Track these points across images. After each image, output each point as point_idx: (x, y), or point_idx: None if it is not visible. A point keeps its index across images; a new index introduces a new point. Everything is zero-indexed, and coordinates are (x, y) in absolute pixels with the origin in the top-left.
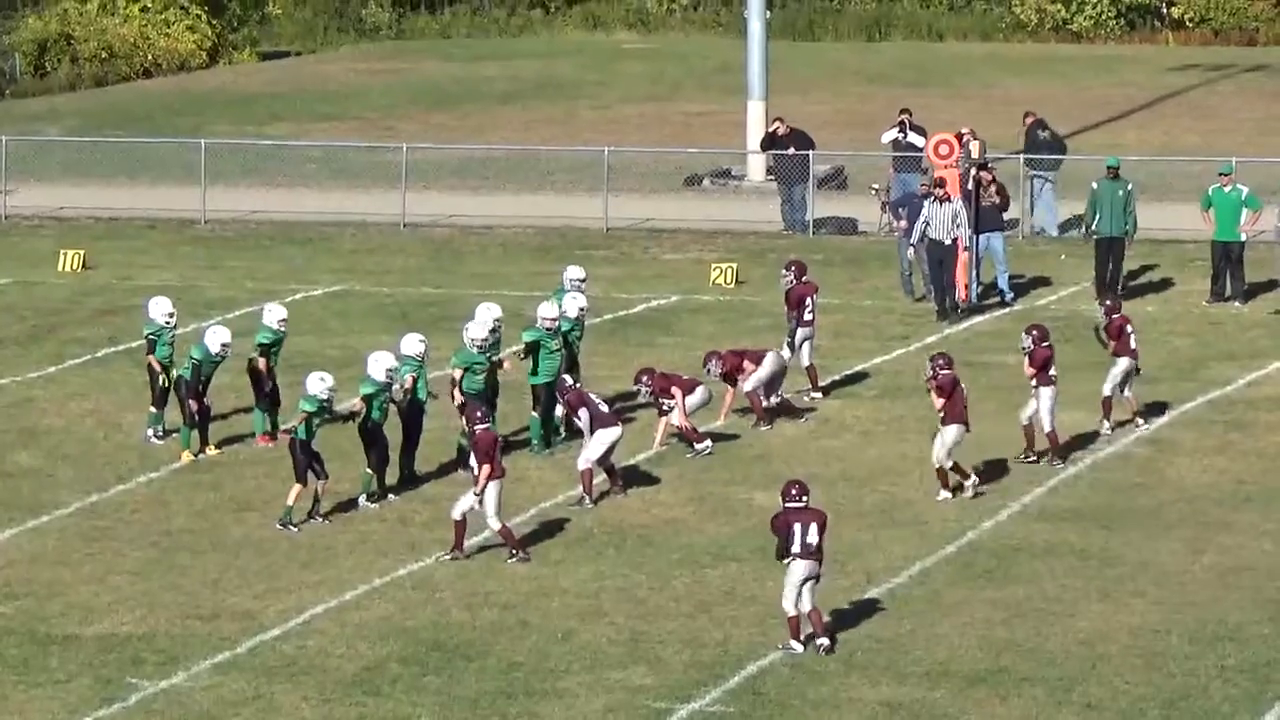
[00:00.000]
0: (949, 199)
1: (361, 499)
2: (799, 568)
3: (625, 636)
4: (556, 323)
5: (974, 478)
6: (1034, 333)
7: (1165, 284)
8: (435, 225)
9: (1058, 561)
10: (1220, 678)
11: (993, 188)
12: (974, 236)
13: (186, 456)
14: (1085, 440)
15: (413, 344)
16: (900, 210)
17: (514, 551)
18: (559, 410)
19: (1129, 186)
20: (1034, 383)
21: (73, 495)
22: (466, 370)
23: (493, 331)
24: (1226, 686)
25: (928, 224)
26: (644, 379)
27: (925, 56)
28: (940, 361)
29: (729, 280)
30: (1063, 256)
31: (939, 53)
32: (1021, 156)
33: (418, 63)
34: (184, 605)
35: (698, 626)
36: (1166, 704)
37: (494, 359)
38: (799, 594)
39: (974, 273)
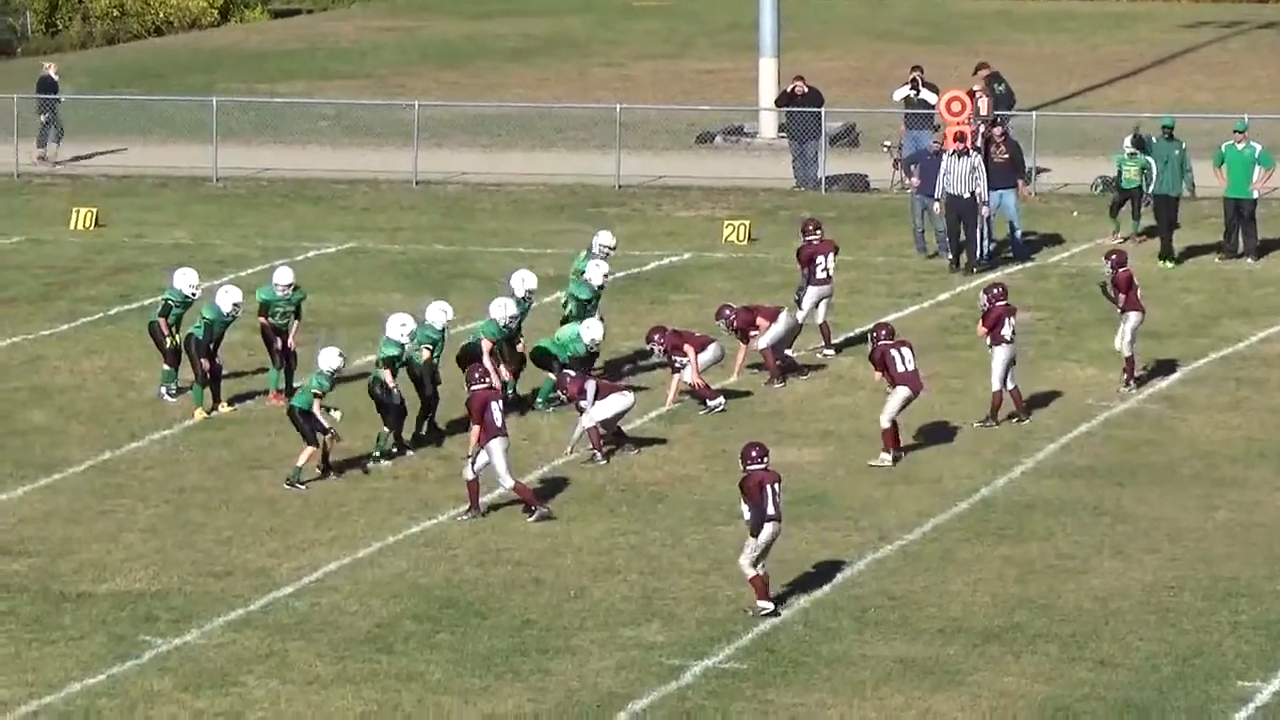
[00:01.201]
0: (967, 153)
1: (375, 457)
2: (770, 529)
3: (638, 593)
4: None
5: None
6: (993, 290)
7: (1178, 240)
8: (447, 182)
9: (1071, 518)
10: (1233, 634)
11: (1004, 144)
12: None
13: (199, 414)
14: (1099, 397)
15: (437, 313)
16: (912, 167)
17: (531, 509)
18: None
19: (1184, 146)
20: (987, 341)
21: (85, 453)
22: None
23: (522, 301)
24: (1239, 642)
25: (946, 176)
26: (656, 337)
27: (937, 13)
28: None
29: (741, 237)
30: (1075, 213)
31: (951, 9)
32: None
33: (429, 20)
34: (197, 563)
35: (711, 583)
36: (1180, 660)
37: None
38: (762, 555)
39: (987, 229)
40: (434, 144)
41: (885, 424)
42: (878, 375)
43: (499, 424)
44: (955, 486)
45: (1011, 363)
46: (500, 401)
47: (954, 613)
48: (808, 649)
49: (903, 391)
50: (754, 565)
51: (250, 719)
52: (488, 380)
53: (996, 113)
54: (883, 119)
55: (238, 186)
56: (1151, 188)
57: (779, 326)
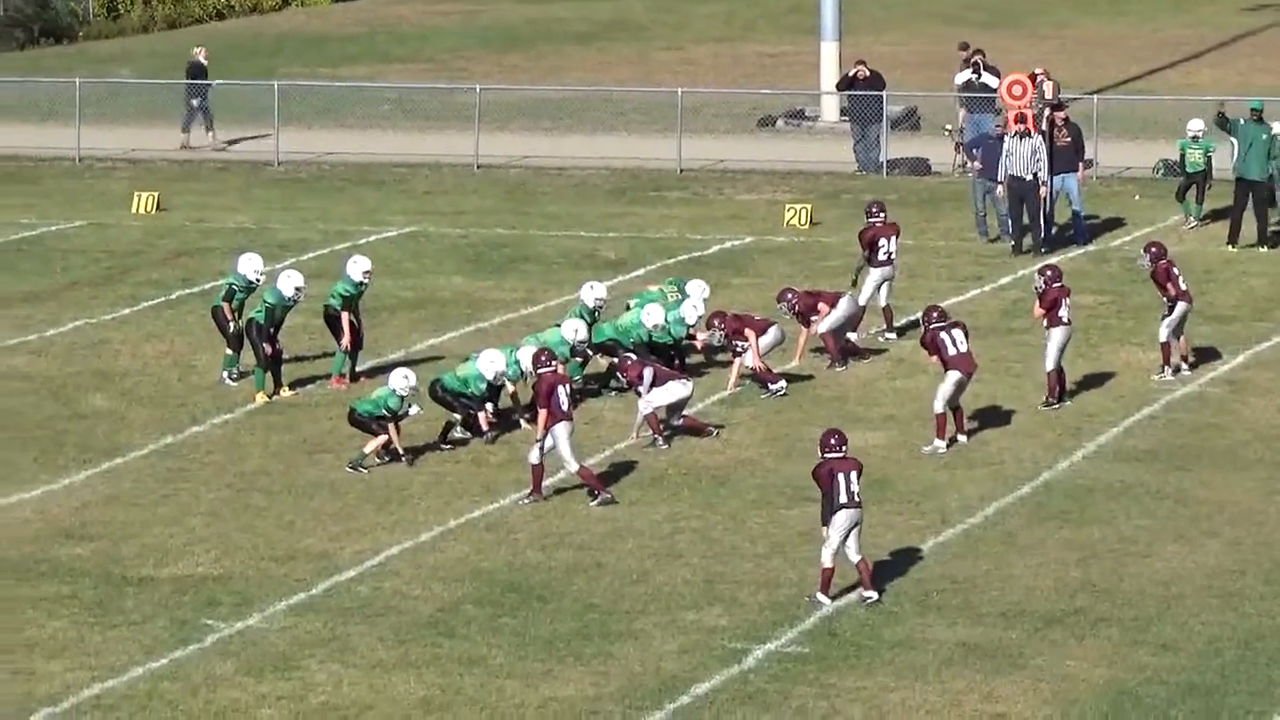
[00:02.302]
0: (1030, 134)
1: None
2: (843, 517)
3: (700, 577)
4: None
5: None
6: (1047, 273)
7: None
8: (509, 166)
9: (1133, 502)
10: None
11: (1065, 128)
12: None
13: (260, 398)
14: (1161, 383)
15: (528, 357)
16: (974, 151)
17: (595, 492)
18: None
19: (1274, 130)
20: (1045, 323)
21: (147, 437)
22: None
23: (593, 312)
24: None
25: (1008, 158)
26: (716, 322)
27: None
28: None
29: (803, 221)
30: (1137, 197)
31: None
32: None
33: (491, 3)
34: (259, 547)
35: (773, 567)
36: (1242, 644)
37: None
38: (843, 544)
39: (1049, 213)
40: (495, 128)
41: (939, 409)
42: (932, 359)
43: (564, 409)
44: (1017, 470)
45: (1065, 345)
46: (568, 386)
47: (1016, 596)
48: (870, 633)
49: (954, 375)
50: (832, 557)
51: (312, 702)
52: (554, 364)
53: (1059, 97)
54: (944, 102)
55: (299, 170)
56: (1234, 170)
57: (840, 311)
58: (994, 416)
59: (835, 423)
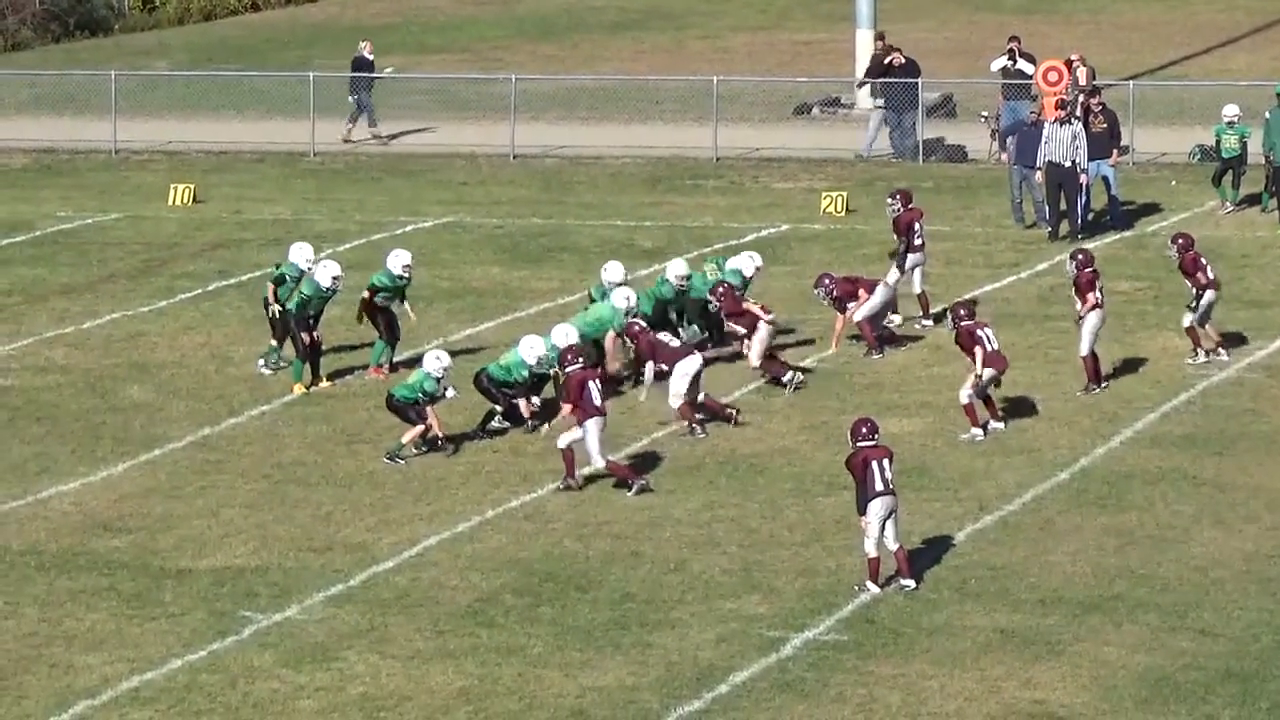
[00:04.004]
0: (1069, 121)
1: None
2: (879, 505)
3: (738, 566)
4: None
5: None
6: (1079, 256)
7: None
8: (545, 156)
9: (1170, 488)
10: None
11: (1101, 114)
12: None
13: (298, 389)
14: (1198, 366)
15: (562, 335)
16: (1009, 138)
17: (630, 483)
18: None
19: None
20: (1081, 308)
21: (184, 429)
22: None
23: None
24: None
25: (1047, 144)
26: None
27: None
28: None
29: (839, 209)
30: (1173, 182)
31: None
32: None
33: None
34: (297, 538)
35: (810, 555)
36: None
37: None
38: (881, 532)
39: (1085, 199)
40: (531, 117)
41: (965, 401)
42: (969, 357)
43: (597, 403)
44: (1054, 457)
45: (1099, 329)
46: (597, 381)
47: (1054, 583)
48: (908, 620)
49: (989, 373)
50: (875, 546)
51: (350, 693)
52: (581, 360)
53: (1093, 83)
54: (980, 89)
55: (335, 161)
56: (1276, 159)
57: (877, 299)
58: (1031, 403)
59: (871, 410)
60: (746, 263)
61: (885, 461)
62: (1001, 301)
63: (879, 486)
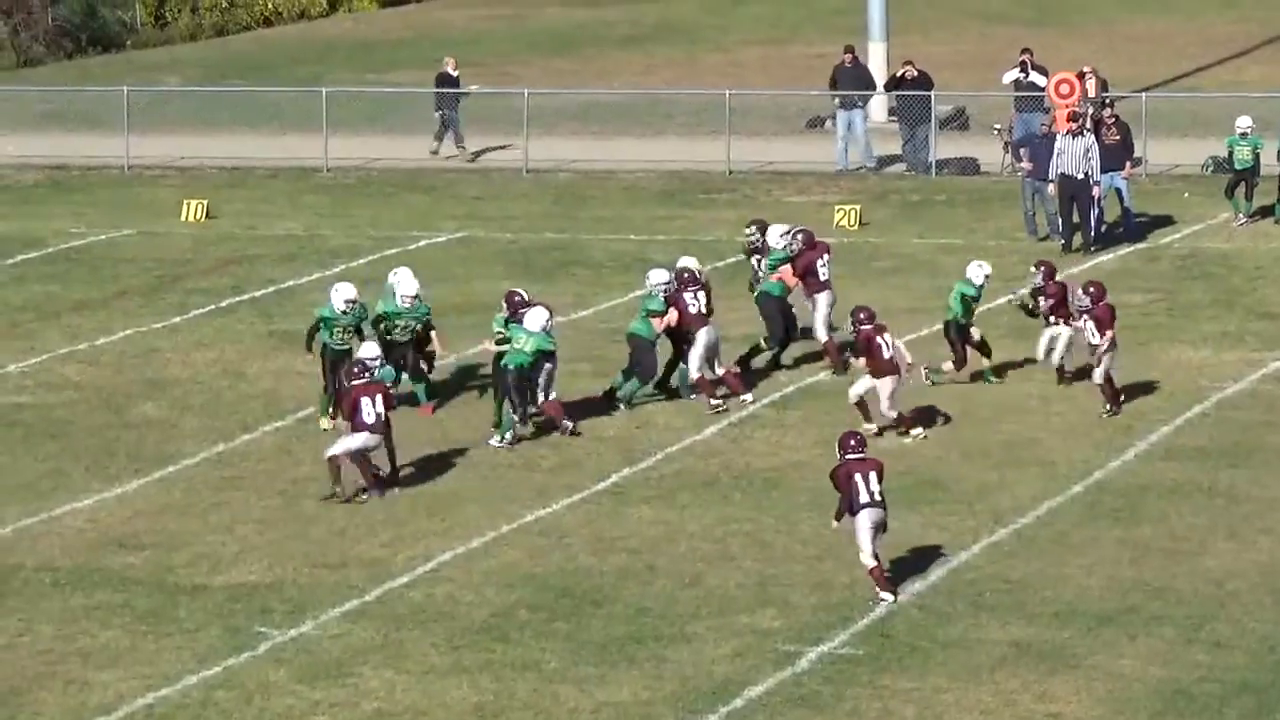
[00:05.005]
0: (1082, 133)
1: (494, 440)
2: (865, 517)
3: (753, 580)
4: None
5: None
6: (1091, 290)
7: None
8: (558, 170)
9: (1185, 500)
10: None
11: (1114, 126)
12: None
13: (325, 423)
14: (1212, 379)
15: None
16: (1022, 150)
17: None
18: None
19: None
20: (1096, 340)
21: (198, 445)
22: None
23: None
24: None
25: (1060, 157)
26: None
27: None
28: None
29: (852, 222)
30: (1186, 194)
31: None
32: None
33: (538, 8)
34: (311, 554)
35: (825, 569)
36: None
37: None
38: (873, 543)
39: (1098, 211)
40: (544, 132)
41: (853, 399)
42: (860, 360)
43: (368, 420)
44: (1069, 469)
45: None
46: (379, 398)
47: (1069, 596)
48: (923, 633)
49: (885, 381)
50: (870, 557)
51: (366, 709)
52: (367, 375)
53: (1104, 95)
54: (992, 102)
55: (348, 177)
56: None
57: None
58: (1046, 415)
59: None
60: (976, 272)
61: (873, 474)
62: (1014, 313)
63: (864, 499)
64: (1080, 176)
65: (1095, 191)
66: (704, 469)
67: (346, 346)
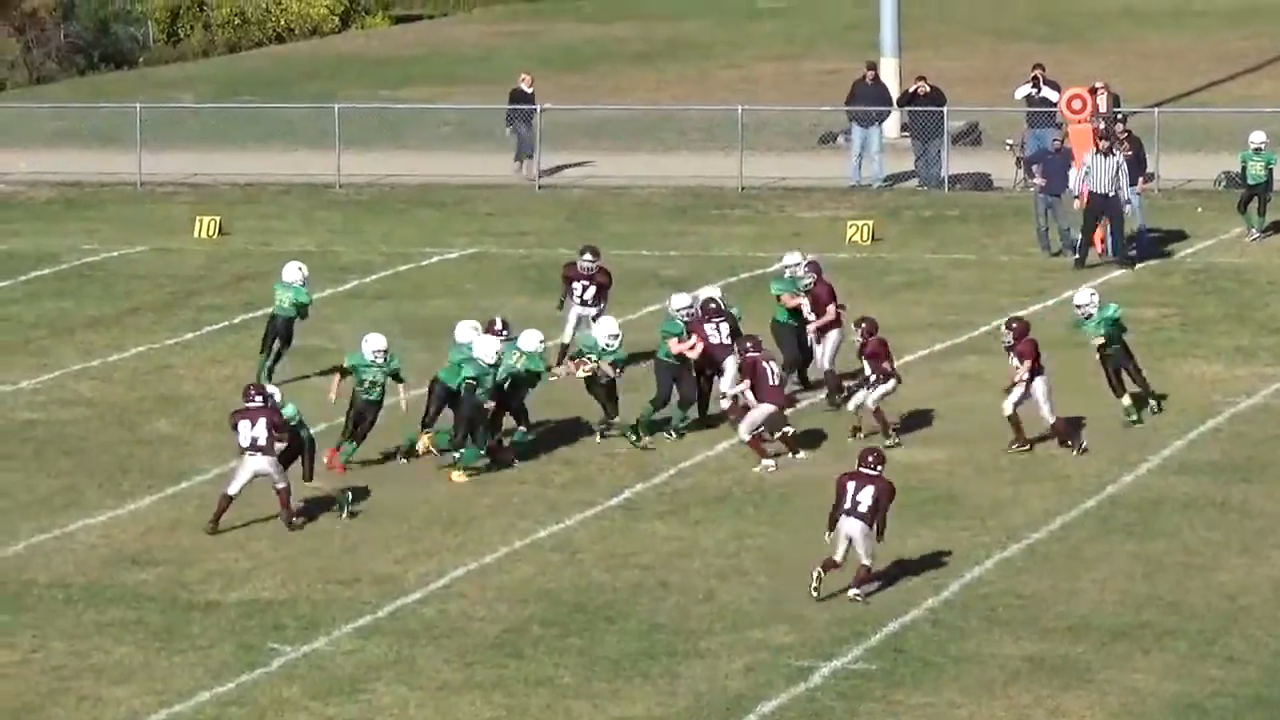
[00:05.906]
0: (1112, 152)
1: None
2: (841, 524)
3: (766, 595)
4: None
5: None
6: (1014, 326)
7: None
8: (571, 186)
9: (1198, 515)
10: None
11: (1127, 141)
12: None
13: (334, 461)
14: (1225, 393)
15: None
16: (1034, 166)
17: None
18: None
19: None
20: (1024, 374)
21: (212, 462)
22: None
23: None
24: None
25: (1088, 174)
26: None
27: (1058, 10)
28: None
29: (865, 238)
30: (1199, 209)
31: (1072, 7)
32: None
33: (550, 24)
34: (324, 570)
35: (838, 585)
36: None
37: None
38: (849, 549)
39: (1112, 227)
40: (557, 148)
41: (746, 437)
42: (745, 384)
43: (244, 444)
44: (1082, 484)
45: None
46: (263, 421)
47: (1082, 611)
48: (936, 649)
49: (766, 409)
50: (842, 556)
51: None
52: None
53: (1116, 110)
54: (1005, 117)
55: (360, 193)
56: None
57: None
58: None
59: (901, 439)
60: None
61: (866, 488)
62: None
63: (846, 506)
64: (1111, 194)
65: (1126, 209)
66: (717, 484)
67: (373, 397)
